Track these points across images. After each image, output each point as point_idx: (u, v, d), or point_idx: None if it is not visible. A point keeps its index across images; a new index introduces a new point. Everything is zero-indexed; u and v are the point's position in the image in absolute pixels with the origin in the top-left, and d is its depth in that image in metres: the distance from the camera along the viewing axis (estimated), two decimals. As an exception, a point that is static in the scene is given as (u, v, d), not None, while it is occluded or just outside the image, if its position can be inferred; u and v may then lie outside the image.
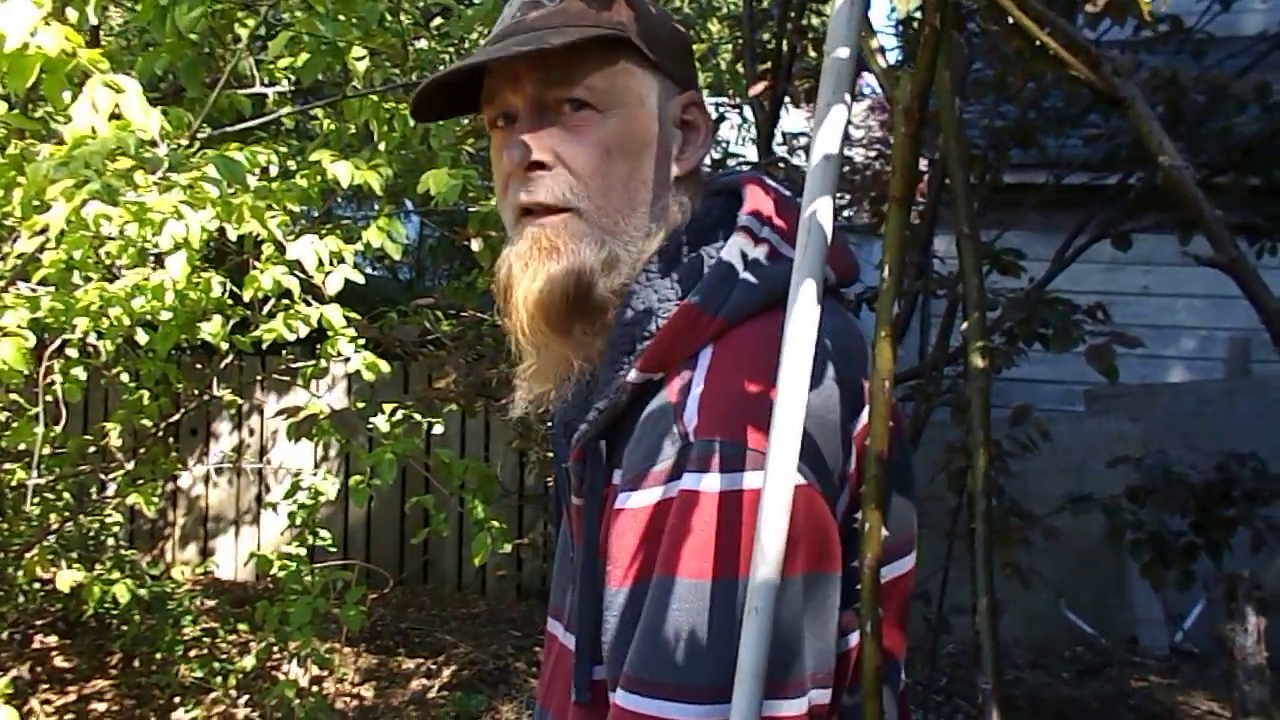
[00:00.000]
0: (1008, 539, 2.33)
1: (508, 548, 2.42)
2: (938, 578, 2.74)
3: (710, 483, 0.80)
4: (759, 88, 2.30)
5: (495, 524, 2.44)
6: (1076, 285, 3.08)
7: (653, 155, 0.95)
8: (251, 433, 5.77)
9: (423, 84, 1.00)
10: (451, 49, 3.56)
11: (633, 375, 0.88)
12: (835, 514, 0.85)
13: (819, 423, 0.84)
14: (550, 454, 1.17)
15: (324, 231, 2.55)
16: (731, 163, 6.15)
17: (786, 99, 2.49)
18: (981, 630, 0.99)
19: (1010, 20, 1.24)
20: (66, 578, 2.91)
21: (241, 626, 4.16)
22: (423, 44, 3.16)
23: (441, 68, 2.87)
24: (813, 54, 2.77)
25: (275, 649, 3.18)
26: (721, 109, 4.22)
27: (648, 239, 0.95)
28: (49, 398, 2.49)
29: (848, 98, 0.77)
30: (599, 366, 0.94)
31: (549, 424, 1.08)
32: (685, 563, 0.80)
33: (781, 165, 2.32)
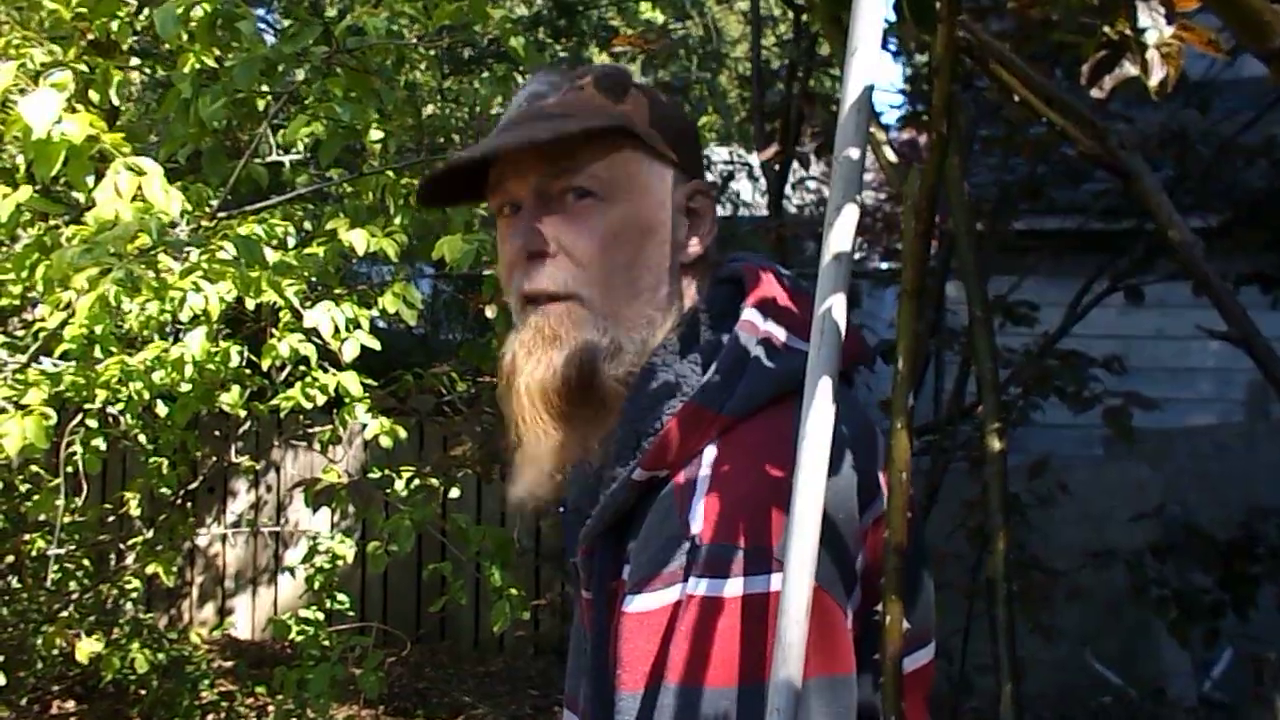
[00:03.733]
0: (1030, 597, 2.31)
1: (526, 615, 2.41)
2: (958, 636, 2.71)
3: (716, 588, 0.80)
4: (769, 152, 2.33)
5: (513, 591, 2.44)
6: (1090, 329, 3.07)
7: (657, 243, 0.96)
8: (269, 490, 5.78)
9: (430, 174, 1.02)
10: (465, 112, 3.62)
11: (637, 474, 0.88)
12: (847, 611, 0.84)
13: (832, 518, 0.84)
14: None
15: (341, 298, 2.57)
16: (743, 213, 6.20)
17: (795, 162, 2.52)
18: (1004, 713, 0.98)
19: (1016, 97, 1.26)
20: (85, 648, 2.91)
21: (259, 689, 4.13)
22: (431, 109, 3.21)
23: (455, 136, 2.92)
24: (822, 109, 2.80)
25: (294, 715, 3.15)
26: (733, 166, 4.26)
27: (652, 326, 0.95)
28: (69, 469, 2.51)
29: (858, 198, 0.78)
30: (606, 459, 0.94)
31: (561, 508, 1.08)
32: (697, 671, 0.79)
33: (789, 227, 2.33)
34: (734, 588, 0.80)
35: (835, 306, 0.78)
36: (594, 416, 0.95)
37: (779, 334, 0.93)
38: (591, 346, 0.93)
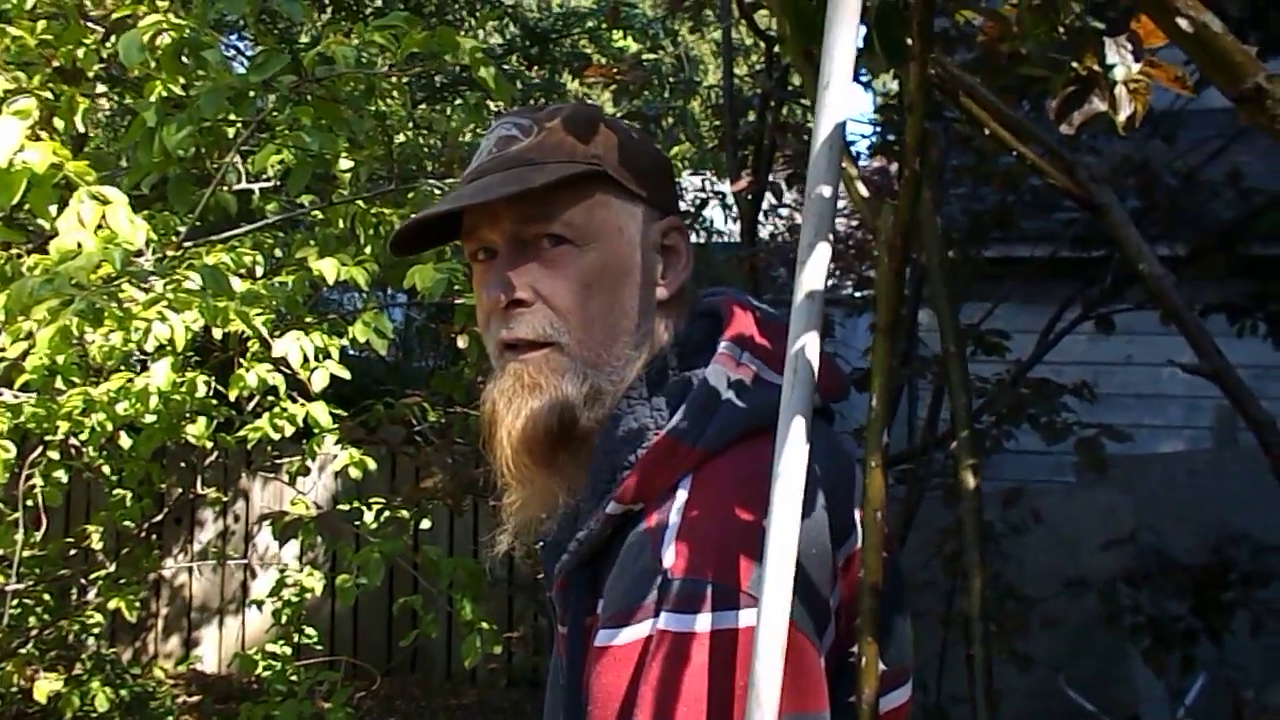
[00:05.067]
0: (1005, 627, 2.30)
1: (498, 649, 2.38)
2: (933, 665, 2.70)
3: (685, 623, 0.79)
4: (743, 183, 2.33)
5: (485, 624, 2.40)
6: (1061, 355, 3.09)
7: (633, 284, 0.95)
8: (236, 520, 5.70)
9: (403, 225, 1.01)
10: (435, 140, 3.60)
11: (611, 507, 0.88)
12: (821, 647, 0.83)
13: (804, 554, 0.83)
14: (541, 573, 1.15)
15: (310, 328, 2.54)
16: (715, 240, 6.21)
17: (767, 192, 2.52)
18: (984, 755, 0.96)
19: (986, 130, 1.26)
20: (44, 687, 2.84)
21: (225, 726, 4.05)
22: (402, 138, 3.19)
23: (426, 164, 2.91)
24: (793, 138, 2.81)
25: (260, 752, 3.09)
26: (706, 194, 4.28)
27: (630, 366, 0.95)
28: (29, 502, 2.45)
29: (830, 237, 0.77)
30: (582, 495, 0.93)
31: (540, 543, 1.07)
32: (667, 708, 0.78)
33: (762, 256, 2.33)
34: (702, 623, 0.79)
35: (809, 345, 0.77)
36: (576, 459, 0.94)
37: (754, 368, 0.93)
38: (570, 394, 0.92)
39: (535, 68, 6.41)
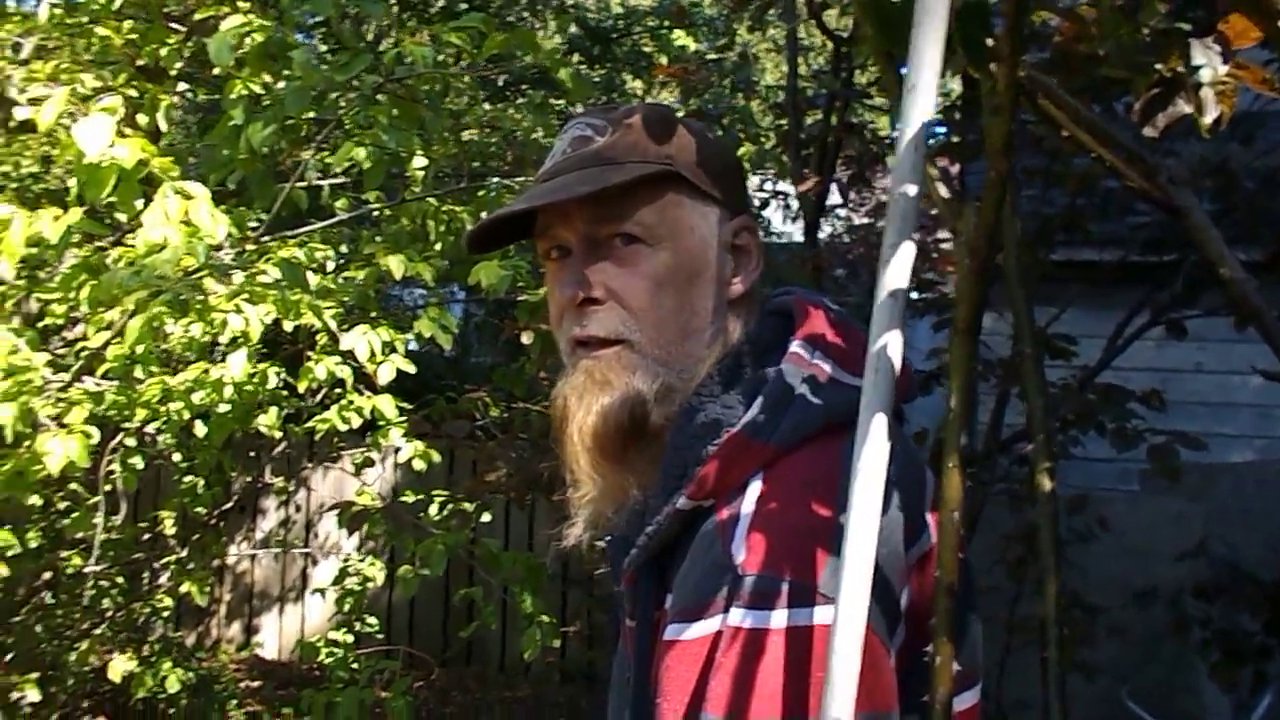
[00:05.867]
0: (1071, 635, 2.27)
1: (557, 642, 2.40)
2: (995, 672, 2.67)
3: (758, 619, 0.79)
4: (808, 184, 2.33)
5: (544, 617, 2.43)
6: (1128, 362, 3.04)
7: (704, 283, 0.96)
8: (298, 509, 5.81)
9: (478, 225, 1.03)
10: (500, 136, 3.64)
11: (682, 502, 0.88)
12: (890, 648, 0.83)
13: (879, 554, 0.83)
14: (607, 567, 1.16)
15: (376, 322, 2.59)
16: (775, 240, 6.19)
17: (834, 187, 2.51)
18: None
19: (1065, 133, 1.24)
20: (119, 667, 2.93)
21: (286, 710, 4.13)
22: (469, 135, 3.23)
23: (492, 163, 2.95)
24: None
25: (321, 738, 3.15)
26: (766, 194, 4.28)
27: (700, 364, 0.96)
28: (107, 487, 2.53)
29: (914, 237, 0.77)
30: (653, 490, 0.94)
31: (606, 538, 1.08)
32: (739, 703, 0.78)
33: (826, 257, 2.32)
34: (778, 619, 0.79)
35: (890, 344, 0.78)
36: (646, 455, 0.95)
37: (827, 368, 0.92)
38: (642, 390, 0.93)
39: (596, 66, 6.44)
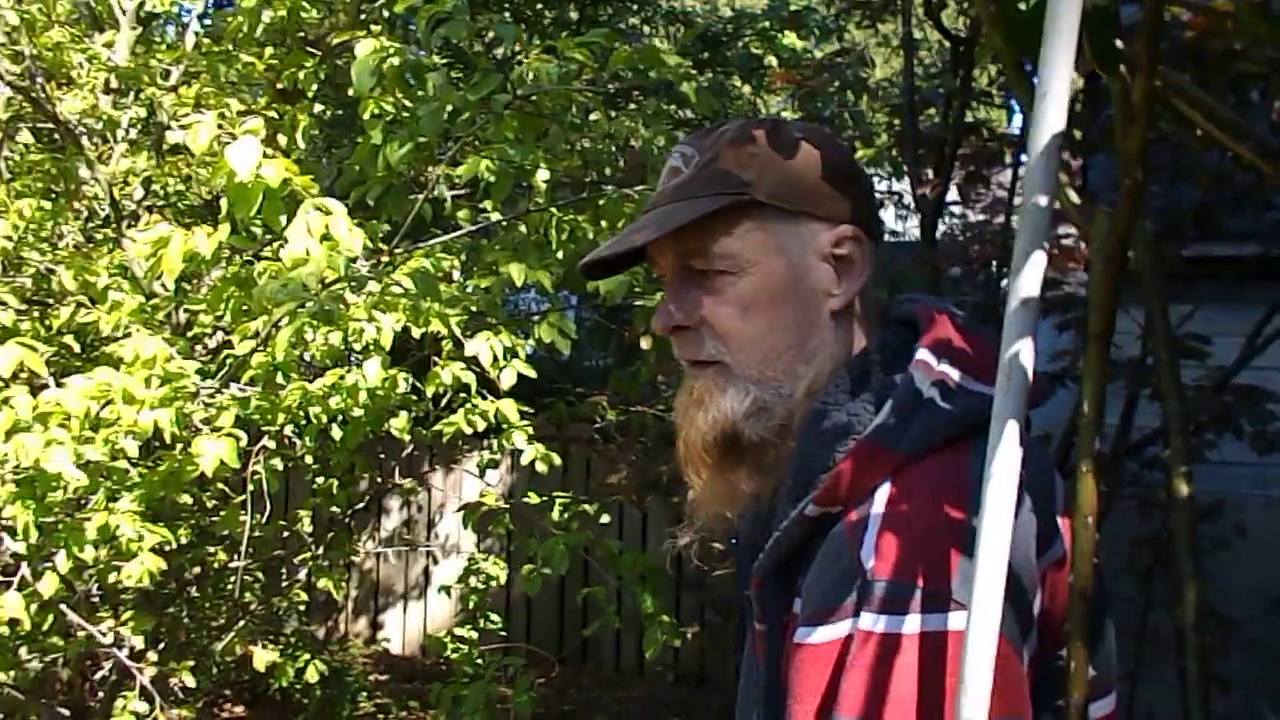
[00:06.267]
0: (1207, 649, 2.19)
1: (678, 642, 2.44)
2: (1125, 684, 2.59)
3: (889, 624, 0.80)
4: (927, 186, 2.31)
5: (664, 618, 2.47)
6: (1266, 361, 2.91)
7: (796, 300, 0.98)
8: (420, 509, 6.00)
9: (587, 258, 1.08)
10: (613, 147, 3.69)
11: (810, 509, 0.90)
12: (1022, 655, 0.84)
13: (1013, 560, 0.84)
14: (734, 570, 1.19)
15: (498, 329, 2.68)
16: (889, 240, 6.10)
17: (953, 187, 2.49)
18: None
19: (1199, 130, 1.22)
20: (263, 657, 3.09)
21: (412, 703, 4.29)
22: (586, 144, 3.30)
23: (607, 170, 3.00)
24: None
25: (447, 730, 3.26)
26: (881, 196, 4.22)
27: (799, 379, 0.98)
28: (251, 487, 2.68)
29: (1045, 245, 0.78)
30: (780, 494, 0.96)
31: (733, 540, 1.11)
32: (872, 706, 0.79)
33: (945, 259, 2.30)
34: (910, 624, 0.81)
35: (1023, 351, 0.78)
36: (750, 466, 0.99)
37: (954, 375, 0.93)
38: (729, 409, 0.98)
39: (706, 71, 6.45)
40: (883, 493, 0.87)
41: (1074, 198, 0.90)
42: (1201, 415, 2.46)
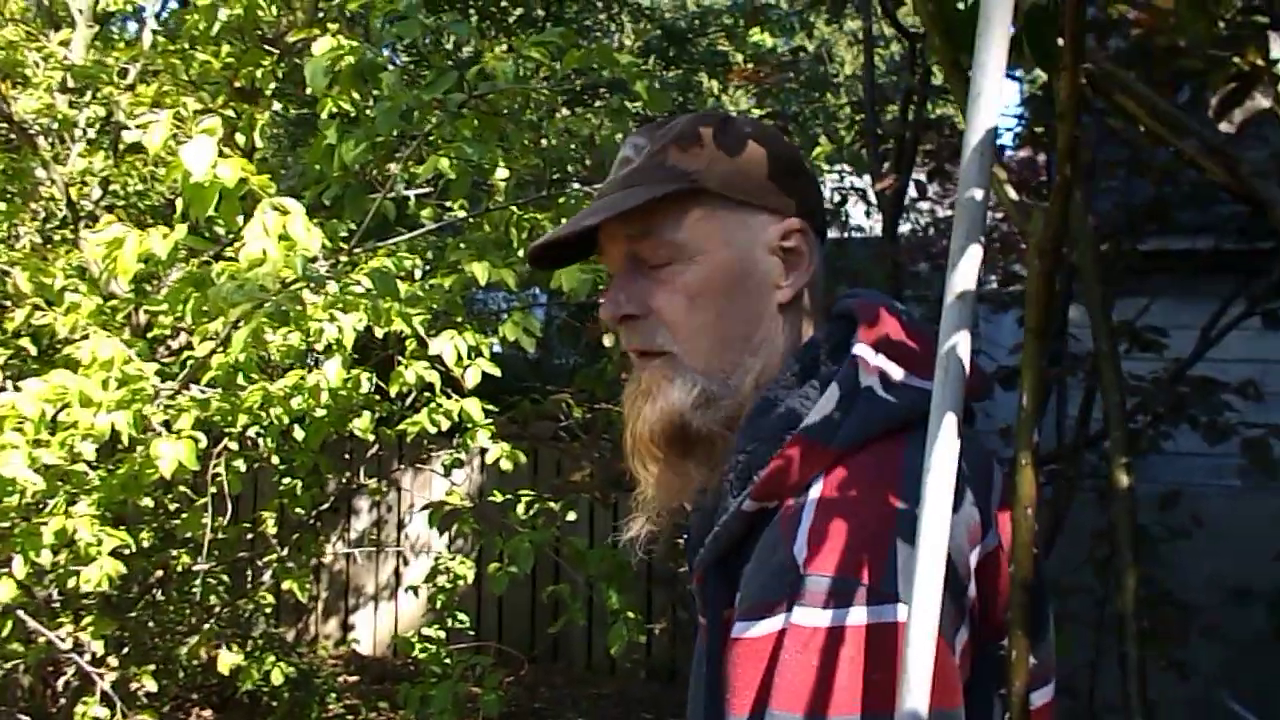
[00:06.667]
0: (1164, 636, 2.22)
1: (643, 637, 2.45)
2: (1085, 672, 2.63)
3: (818, 618, 0.81)
4: (886, 181, 2.33)
5: (630, 614, 2.48)
6: (1223, 353, 2.95)
7: (745, 291, 0.98)
8: (389, 510, 5.98)
9: (534, 245, 1.07)
10: (578, 143, 3.70)
11: (747, 504, 0.91)
12: (954, 646, 0.85)
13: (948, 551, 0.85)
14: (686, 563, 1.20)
15: (462, 327, 2.67)
16: (855, 236, 6.14)
17: (911, 185, 2.51)
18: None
19: (1142, 126, 1.24)
20: (227, 660, 3.07)
21: (382, 704, 4.27)
22: (546, 143, 3.29)
23: (569, 168, 3.00)
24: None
25: (416, 730, 3.25)
26: (845, 190, 4.26)
27: (747, 371, 0.98)
28: (213, 489, 2.66)
29: (981, 239, 0.79)
30: (722, 488, 0.97)
31: (684, 535, 1.11)
32: (817, 700, 0.80)
33: (905, 252, 2.32)
34: (854, 617, 0.81)
35: (960, 344, 0.79)
36: (698, 458, 0.99)
37: (890, 369, 0.93)
38: (676, 400, 0.97)
39: (672, 67, 6.46)
40: (817, 487, 0.88)
41: (1012, 194, 0.92)
42: (1158, 407, 2.49)
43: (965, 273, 0.80)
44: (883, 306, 0.99)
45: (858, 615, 0.81)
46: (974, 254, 0.80)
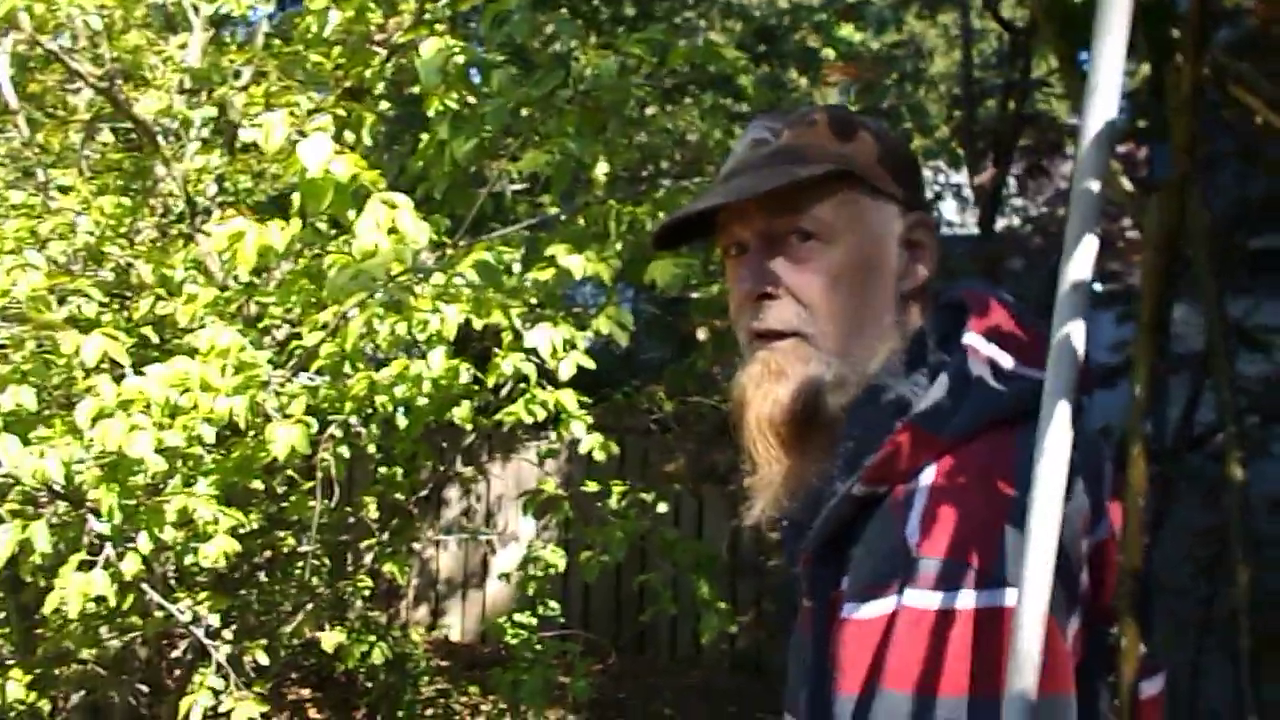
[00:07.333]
0: (1273, 643, 2.16)
1: (734, 628, 2.47)
2: (1187, 673, 2.57)
3: (929, 600, 0.82)
4: (985, 176, 2.31)
5: (720, 604, 2.51)
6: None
7: (879, 278, 1.00)
8: (478, 499, 6.11)
9: (663, 223, 1.10)
10: (672, 140, 3.73)
11: (858, 489, 0.92)
12: (1066, 633, 0.85)
13: (1060, 538, 0.85)
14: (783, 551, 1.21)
15: (558, 320, 2.73)
16: (946, 231, 6.06)
17: (1011, 180, 2.48)
18: (1250, 751, 0.96)
19: (1259, 119, 1.22)
20: (331, 639, 3.19)
21: (472, 689, 4.37)
22: (642, 138, 3.33)
23: (663, 164, 3.04)
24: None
25: (506, 714, 3.33)
26: (939, 187, 4.21)
27: (874, 357, 0.99)
28: (320, 474, 2.77)
29: (1097, 230, 0.80)
30: (828, 475, 0.98)
31: (782, 522, 1.13)
32: (927, 680, 0.81)
33: (1003, 250, 2.29)
34: (964, 600, 0.83)
35: (1074, 332, 0.80)
36: (822, 443, 0.99)
37: (1001, 359, 0.94)
38: (816, 380, 0.98)
39: (762, 64, 6.44)
40: (929, 472, 0.89)
41: (1128, 186, 0.92)
42: (1268, 408, 2.42)
43: (1080, 262, 0.80)
44: (992, 297, 1.00)
45: (967, 598, 0.82)
46: (1089, 244, 0.81)
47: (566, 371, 2.73)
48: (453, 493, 6.16)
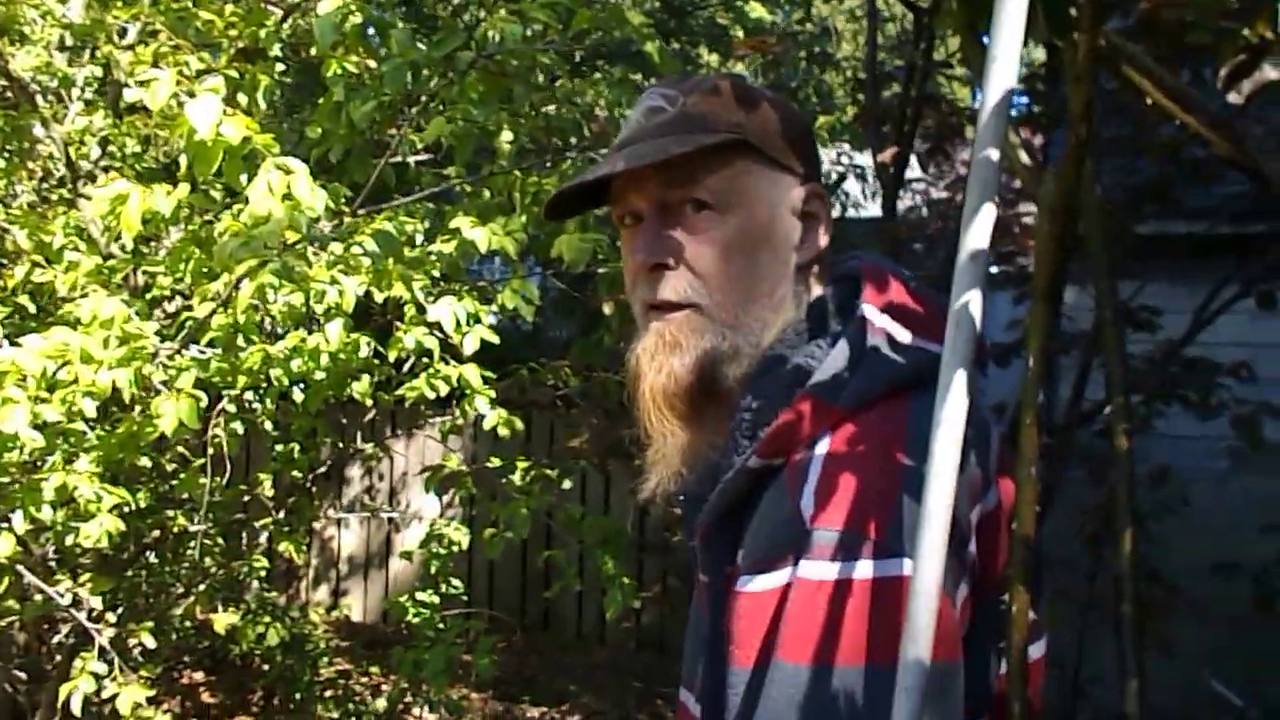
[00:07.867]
0: (1149, 611, 2.26)
1: (638, 603, 2.47)
2: (1073, 647, 2.67)
3: (824, 571, 0.82)
4: (888, 154, 2.34)
5: (625, 580, 2.50)
6: (1216, 336, 2.98)
7: (772, 249, 0.99)
8: (381, 477, 6.00)
9: (556, 191, 1.08)
10: (580, 111, 3.69)
11: (753, 462, 0.92)
12: (955, 601, 0.86)
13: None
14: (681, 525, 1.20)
15: (461, 294, 2.67)
16: (853, 213, 6.16)
17: (913, 159, 2.52)
18: (1130, 715, 0.99)
19: (1150, 100, 1.25)
20: (223, 620, 3.09)
21: (374, 669, 4.30)
22: (551, 109, 3.28)
23: (572, 138, 3.00)
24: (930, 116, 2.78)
25: (408, 693, 3.29)
26: (843, 167, 4.26)
27: (767, 328, 0.99)
28: (211, 451, 2.67)
29: (995, 200, 0.80)
30: (724, 448, 0.98)
31: (680, 497, 1.12)
32: (824, 650, 0.82)
33: (904, 229, 2.33)
34: (861, 570, 0.83)
35: (972, 302, 0.81)
36: (717, 415, 0.99)
37: (895, 330, 0.95)
38: (711, 351, 0.97)
39: (671, 40, 6.44)
40: (825, 442, 0.89)
41: (1025, 158, 0.93)
42: (1151, 386, 2.52)
43: (979, 232, 0.81)
44: (889, 270, 1.00)
45: (864, 569, 0.83)
46: (988, 213, 0.81)
47: (470, 346, 2.68)
48: (355, 471, 6.03)
